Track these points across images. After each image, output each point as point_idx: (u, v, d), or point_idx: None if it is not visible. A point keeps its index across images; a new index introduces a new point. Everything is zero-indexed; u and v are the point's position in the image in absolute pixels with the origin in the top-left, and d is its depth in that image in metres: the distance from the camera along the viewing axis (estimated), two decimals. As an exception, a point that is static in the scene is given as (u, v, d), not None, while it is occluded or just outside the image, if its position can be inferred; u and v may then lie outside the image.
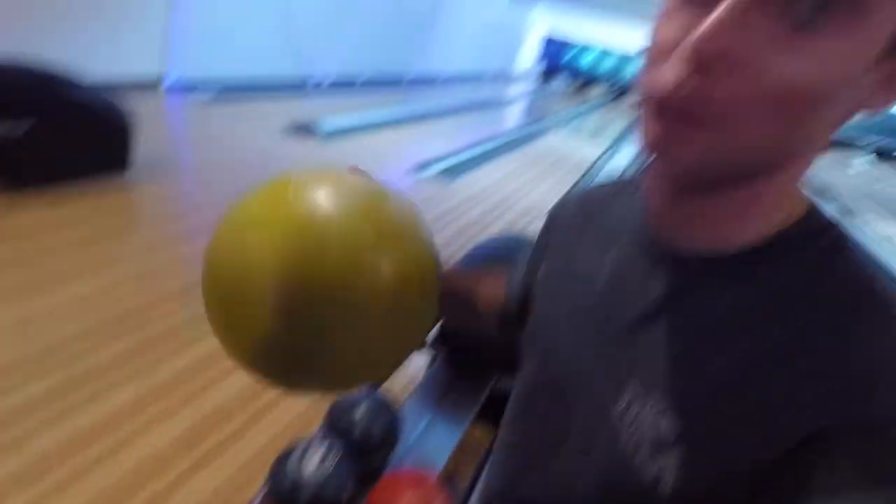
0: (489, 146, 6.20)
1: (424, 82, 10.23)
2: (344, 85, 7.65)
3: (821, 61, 0.27)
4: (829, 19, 0.26)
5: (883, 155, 14.61)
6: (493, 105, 10.21)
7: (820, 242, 0.34)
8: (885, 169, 14.98)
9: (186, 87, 5.34)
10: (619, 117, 12.70)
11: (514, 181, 5.15)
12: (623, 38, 15.46)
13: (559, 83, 16.97)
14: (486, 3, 12.57)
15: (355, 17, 7.55)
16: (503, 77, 15.21)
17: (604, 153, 7.52)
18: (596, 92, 16.56)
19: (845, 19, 0.26)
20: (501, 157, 5.98)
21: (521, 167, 5.79)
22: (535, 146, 7.08)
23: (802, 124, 0.29)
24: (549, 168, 6.06)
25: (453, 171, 4.85)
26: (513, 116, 10.32)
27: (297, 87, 6.69)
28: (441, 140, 6.21)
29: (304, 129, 4.88)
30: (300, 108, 5.83)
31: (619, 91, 16.48)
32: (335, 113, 5.75)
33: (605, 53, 16.28)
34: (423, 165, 4.78)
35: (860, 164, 13.40)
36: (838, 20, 0.26)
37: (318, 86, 7.22)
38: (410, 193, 3.65)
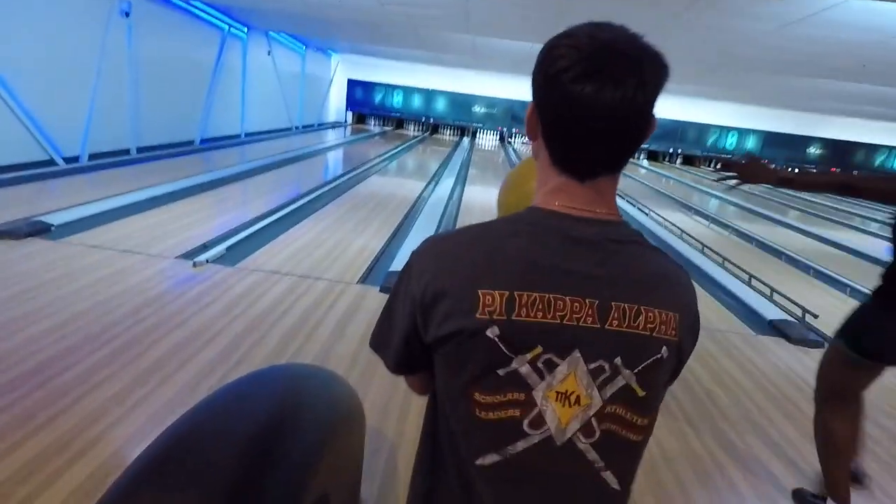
0: (303, 201, 5.65)
1: (222, 145, 9.32)
2: (110, 160, 6.47)
3: None
4: None
5: (653, 157, 17.24)
6: (307, 157, 9.66)
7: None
8: (658, 168, 17.67)
9: None
10: (436, 152, 13.05)
11: (336, 232, 4.66)
12: (424, 77, 16.15)
13: (372, 125, 17.08)
14: (280, 57, 12.12)
15: (107, 88, 6.50)
16: (314, 127, 14.79)
17: (425, 188, 7.45)
18: (410, 129, 16.99)
19: None
20: (321, 209, 5.47)
21: (343, 216, 5.32)
22: (356, 192, 6.70)
23: None
24: (372, 211, 5.70)
25: (257, 238, 4.20)
26: (330, 166, 9.88)
27: (43, 173, 5.44)
28: (248, 204, 5.51)
29: (28, 228, 3.57)
30: (47, 197, 4.70)
31: (432, 127, 17.11)
32: (93, 196, 4.67)
33: (412, 91, 16.78)
34: (222, 237, 4.06)
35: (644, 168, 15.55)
36: None
37: (72, 167, 6.00)
38: (200, 276, 2.79)
